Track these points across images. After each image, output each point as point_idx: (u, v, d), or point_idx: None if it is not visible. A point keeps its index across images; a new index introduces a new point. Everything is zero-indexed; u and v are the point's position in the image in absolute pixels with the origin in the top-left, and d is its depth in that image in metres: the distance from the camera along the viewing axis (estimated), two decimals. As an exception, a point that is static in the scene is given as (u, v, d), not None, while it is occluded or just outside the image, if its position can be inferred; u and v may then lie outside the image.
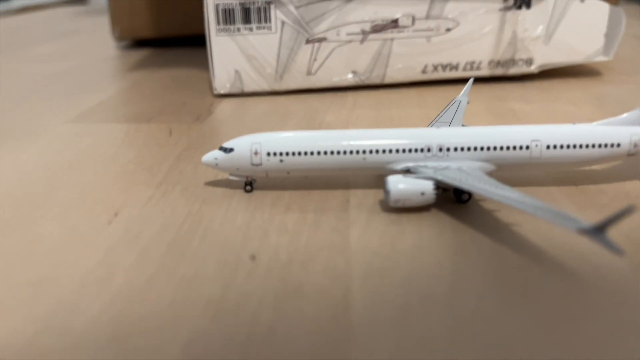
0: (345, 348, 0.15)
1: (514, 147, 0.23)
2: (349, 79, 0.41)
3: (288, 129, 0.34)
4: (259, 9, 0.39)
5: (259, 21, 0.39)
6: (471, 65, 0.42)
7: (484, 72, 0.42)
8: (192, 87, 0.44)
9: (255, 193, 0.24)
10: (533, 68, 0.43)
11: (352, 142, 0.23)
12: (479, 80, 0.43)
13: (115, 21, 0.61)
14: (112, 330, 0.16)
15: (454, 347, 0.15)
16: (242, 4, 0.39)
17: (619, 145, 0.24)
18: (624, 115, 0.25)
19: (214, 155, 0.24)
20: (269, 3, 0.39)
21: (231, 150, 0.24)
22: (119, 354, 0.15)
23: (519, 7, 0.41)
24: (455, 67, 0.42)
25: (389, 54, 0.41)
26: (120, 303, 0.17)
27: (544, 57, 0.43)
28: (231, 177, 0.24)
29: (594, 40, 0.43)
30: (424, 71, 0.42)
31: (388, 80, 0.42)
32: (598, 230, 0.17)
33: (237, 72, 0.40)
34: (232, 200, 0.24)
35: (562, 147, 0.23)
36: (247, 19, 0.39)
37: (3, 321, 0.16)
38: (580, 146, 0.23)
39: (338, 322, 0.16)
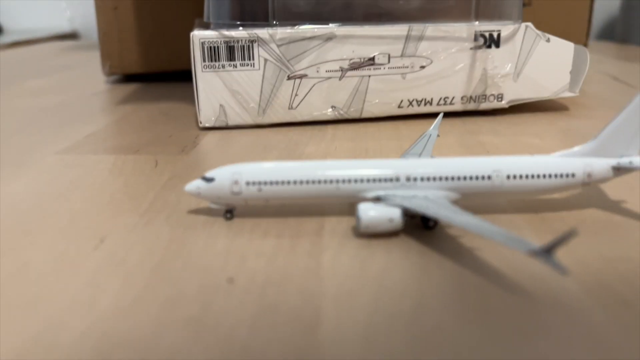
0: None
1: (477, 177, 0.25)
2: (329, 113, 0.43)
3: (270, 160, 0.35)
4: (242, 47, 0.41)
5: (243, 58, 0.41)
6: (444, 100, 0.44)
7: (457, 107, 0.45)
8: (179, 120, 0.46)
9: (235, 220, 0.26)
10: (503, 103, 0.45)
11: (326, 172, 0.25)
12: (452, 114, 0.45)
13: (106, 57, 0.63)
14: (98, 347, 0.17)
15: (413, 360, 0.16)
16: (226, 42, 0.41)
17: (573, 175, 0.26)
18: (579, 147, 0.27)
19: (196, 184, 0.25)
20: (252, 42, 0.41)
21: (212, 179, 0.25)
22: (103, 368, 0.16)
23: (489, 46, 0.44)
24: (429, 102, 0.44)
25: (366, 89, 0.43)
26: (106, 322, 0.18)
27: (513, 93, 0.45)
28: (212, 206, 0.26)
29: (561, 77, 0.46)
30: (399, 106, 0.44)
31: (365, 114, 0.44)
32: (546, 252, 0.18)
33: (221, 106, 0.42)
34: (213, 227, 0.25)
35: (521, 177, 0.25)
36: (231, 57, 0.41)
37: (-6, 339, 0.17)
38: (538, 176, 0.25)
39: (309, 339, 0.17)
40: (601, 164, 0.26)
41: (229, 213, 0.26)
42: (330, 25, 0.42)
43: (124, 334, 0.17)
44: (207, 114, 0.42)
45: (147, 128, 0.44)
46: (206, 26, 0.42)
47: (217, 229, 0.25)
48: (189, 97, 0.46)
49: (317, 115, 0.43)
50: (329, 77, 0.42)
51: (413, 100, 0.44)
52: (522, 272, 0.21)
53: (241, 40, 0.41)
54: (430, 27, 0.42)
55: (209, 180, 0.25)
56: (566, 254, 0.20)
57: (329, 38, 0.41)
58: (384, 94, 0.43)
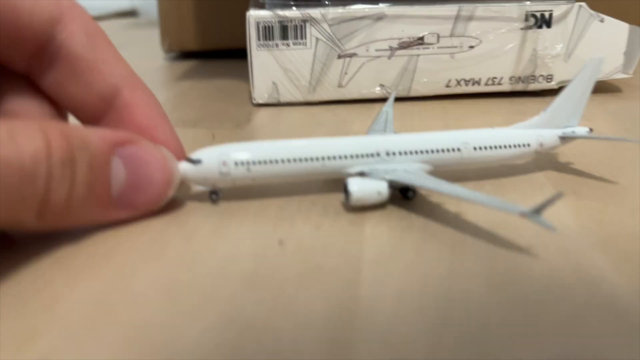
0: (353, 315, 0.18)
1: (449, 150, 0.27)
2: (377, 91, 0.45)
3: (319, 136, 0.37)
4: (295, 27, 0.43)
5: (296, 38, 0.43)
6: (493, 80, 0.45)
7: (505, 87, 0.45)
8: (234, 97, 0.48)
9: (286, 190, 0.28)
10: (553, 84, 0.45)
11: (312, 150, 0.26)
12: (499, 94, 0.45)
13: (165, 34, 0.66)
14: (166, 292, 0.19)
15: (443, 319, 0.18)
16: (280, 22, 0.43)
17: (529, 145, 0.28)
18: (532, 119, 0.30)
19: (181, 167, 0.25)
20: (304, 21, 0.43)
21: (199, 161, 0.25)
22: (170, 314, 0.18)
23: (540, 27, 0.44)
24: (477, 82, 0.45)
25: (414, 69, 0.44)
26: (171, 272, 0.20)
27: (563, 73, 0.45)
28: (199, 187, 0.26)
29: (614, 58, 0.45)
30: (447, 85, 0.45)
31: (413, 93, 0.45)
32: (535, 213, 0.20)
33: (274, 83, 0.44)
34: (265, 194, 0.27)
35: (486, 148, 0.27)
36: (284, 36, 0.43)
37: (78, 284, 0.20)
38: (500, 147, 0.28)
39: (349, 295, 0.19)
40: (551, 134, 0.29)
41: (215, 194, 0.26)
42: (381, 5, 0.43)
43: (187, 283, 0.20)
44: (260, 91, 0.44)
45: (204, 103, 0.47)
46: (261, 6, 0.44)
47: (270, 196, 0.27)
48: (243, 74, 0.49)
49: (365, 93, 0.45)
50: (378, 56, 0.44)
51: (461, 80, 0.45)
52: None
53: (294, 20, 0.43)
54: (480, 7, 0.43)
55: (196, 162, 0.25)
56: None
57: (379, 18, 0.43)
58: (432, 73, 0.44)
